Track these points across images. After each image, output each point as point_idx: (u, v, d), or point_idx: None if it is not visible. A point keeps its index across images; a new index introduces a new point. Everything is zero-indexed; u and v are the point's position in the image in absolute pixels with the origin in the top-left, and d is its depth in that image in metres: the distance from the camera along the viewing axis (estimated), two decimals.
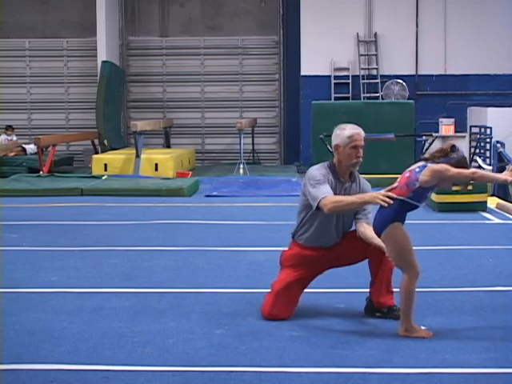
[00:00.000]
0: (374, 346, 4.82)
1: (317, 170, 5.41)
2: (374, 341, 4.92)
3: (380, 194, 4.98)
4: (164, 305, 5.86)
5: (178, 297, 6.11)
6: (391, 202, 4.93)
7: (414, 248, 5.02)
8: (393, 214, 4.98)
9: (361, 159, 5.34)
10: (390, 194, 4.97)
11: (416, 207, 5.02)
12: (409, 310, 4.98)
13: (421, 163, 5.00)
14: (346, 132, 5.33)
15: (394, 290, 5.34)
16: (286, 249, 5.59)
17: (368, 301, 5.50)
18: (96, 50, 19.36)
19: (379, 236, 5.08)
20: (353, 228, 5.50)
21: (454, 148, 4.97)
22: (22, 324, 5.31)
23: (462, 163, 4.93)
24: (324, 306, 5.73)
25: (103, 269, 7.20)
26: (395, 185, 5.02)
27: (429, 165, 4.92)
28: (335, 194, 5.28)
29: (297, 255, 5.47)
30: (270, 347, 4.80)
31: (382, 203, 4.95)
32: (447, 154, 4.93)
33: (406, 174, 5.01)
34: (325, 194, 5.19)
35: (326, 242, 5.42)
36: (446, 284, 6.50)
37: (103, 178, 14.96)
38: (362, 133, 5.38)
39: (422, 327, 5.16)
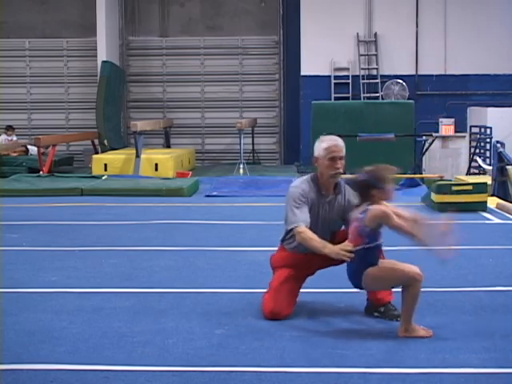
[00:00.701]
0: (374, 345, 4.82)
1: (297, 188, 5.43)
2: (374, 341, 4.92)
3: (341, 250, 4.98)
4: (164, 305, 5.86)
5: (177, 297, 6.11)
6: (352, 255, 4.94)
7: (396, 261, 5.08)
8: (363, 264, 5.01)
9: (340, 170, 5.36)
10: (348, 247, 4.97)
11: (379, 246, 5.05)
12: (411, 312, 4.99)
13: (362, 208, 5.00)
14: (323, 144, 5.39)
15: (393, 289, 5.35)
16: (274, 253, 5.62)
17: (368, 301, 5.50)
18: (96, 49, 19.38)
19: (361, 288, 5.12)
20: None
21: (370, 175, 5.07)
22: (22, 324, 5.30)
23: (381, 180, 5.02)
24: (324, 306, 5.73)
25: (103, 269, 7.20)
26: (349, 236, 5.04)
27: (369, 208, 4.95)
28: (316, 210, 5.35)
29: (287, 257, 5.50)
30: (270, 347, 4.80)
31: (346, 259, 4.99)
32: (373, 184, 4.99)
33: (354, 223, 5.03)
34: (299, 223, 5.25)
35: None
36: (445, 284, 6.50)
37: (103, 178, 14.96)
38: (341, 144, 5.41)
39: (422, 327, 5.17)
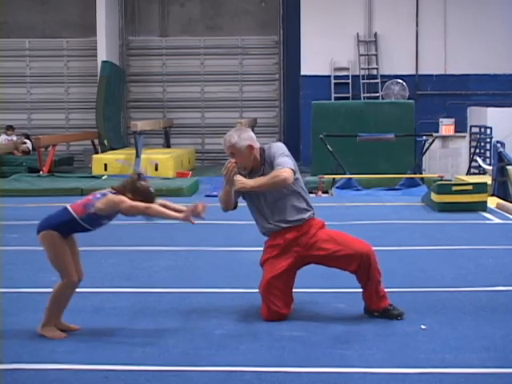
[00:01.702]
0: (373, 345, 4.82)
1: None
2: (374, 341, 4.92)
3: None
4: (164, 305, 5.86)
5: (177, 297, 6.11)
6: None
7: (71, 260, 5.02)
8: (56, 223, 4.96)
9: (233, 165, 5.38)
10: None
11: (86, 230, 5.03)
12: (54, 311, 5.04)
13: (106, 190, 5.00)
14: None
15: (386, 290, 5.37)
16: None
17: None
18: (96, 49, 19.39)
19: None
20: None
21: (140, 176, 5.05)
22: (22, 324, 5.30)
23: (145, 195, 5.00)
24: (324, 306, 5.72)
25: (103, 269, 7.20)
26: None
27: (109, 194, 4.94)
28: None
29: (268, 248, 5.52)
30: (270, 347, 4.80)
31: None
32: (135, 184, 4.97)
33: (90, 195, 5.02)
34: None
35: (275, 223, 5.42)
36: (445, 284, 6.50)
37: (103, 178, 14.96)
38: (227, 140, 5.49)
39: (422, 326, 5.18)
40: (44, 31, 20.88)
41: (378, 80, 18.98)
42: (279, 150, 5.45)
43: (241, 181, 5.27)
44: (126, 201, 4.92)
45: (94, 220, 4.98)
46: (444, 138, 17.88)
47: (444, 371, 4.37)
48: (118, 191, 4.96)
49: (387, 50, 19.05)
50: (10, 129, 18.85)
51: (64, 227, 4.97)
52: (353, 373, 4.35)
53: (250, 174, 5.45)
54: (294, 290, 5.52)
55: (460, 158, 17.90)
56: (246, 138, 5.47)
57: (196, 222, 5.00)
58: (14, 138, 18.79)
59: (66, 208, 4.98)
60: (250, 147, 5.44)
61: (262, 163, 5.46)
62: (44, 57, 20.91)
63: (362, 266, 5.26)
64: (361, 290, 5.40)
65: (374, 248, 5.39)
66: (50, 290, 5.13)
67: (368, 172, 14.54)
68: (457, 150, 17.96)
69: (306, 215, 5.44)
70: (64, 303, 5.08)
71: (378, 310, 5.38)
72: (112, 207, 4.92)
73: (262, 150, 5.50)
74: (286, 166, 5.30)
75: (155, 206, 5.06)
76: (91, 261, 7.51)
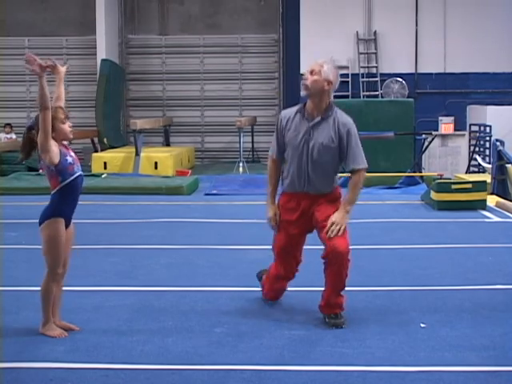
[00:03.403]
0: (373, 344, 4.82)
1: (281, 115, 5.49)
2: (374, 339, 4.92)
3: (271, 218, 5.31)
4: (163, 303, 5.86)
5: (177, 295, 6.11)
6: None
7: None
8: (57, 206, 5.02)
9: (305, 82, 5.23)
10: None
11: (71, 189, 5.05)
12: (46, 307, 5.04)
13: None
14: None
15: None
16: None
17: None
18: (95, 48, 19.37)
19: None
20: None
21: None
22: (22, 322, 5.31)
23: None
24: None
25: (102, 267, 7.21)
26: None
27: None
28: (299, 135, 5.27)
29: (282, 207, 5.46)
30: (270, 345, 4.80)
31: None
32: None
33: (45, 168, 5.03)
34: (270, 153, 5.49)
35: (299, 184, 5.36)
36: (445, 282, 6.50)
37: (103, 176, 14.96)
38: (320, 62, 5.30)
39: (422, 324, 5.18)
40: (43, 29, 20.86)
41: (378, 78, 18.97)
42: (356, 133, 5.29)
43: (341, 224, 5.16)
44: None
45: (59, 172, 4.95)
46: (443, 136, 17.88)
47: (443, 369, 4.38)
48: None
49: (387, 48, 19.04)
50: (8, 127, 18.84)
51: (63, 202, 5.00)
52: (352, 371, 4.36)
53: (313, 121, 5.29)
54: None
55: (459, 156, 17.90)
56: (335, 74, 5.28)
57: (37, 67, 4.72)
58: (13, 136, 18.78)
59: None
60: (329, 82, 5.24)
61: (325, 112, 5.27)
62: (43, 55, 20.74)
63: (330, 260, 5.19)
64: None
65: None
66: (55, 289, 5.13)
67: (368, 170, 14.54)
68: (456, 149, 17.96)
69: (331, 188, 5.42)
70: (52, 297, 5.06)
71: (323, 313, 5.36)
72: (42, 148, 4.86)
73: (333, 104, 5.33)
74: (361, 165, 5.33)
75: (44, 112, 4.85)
76: (91, 259, 7.53)
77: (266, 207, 5.45)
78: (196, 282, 6.59)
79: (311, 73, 5.25)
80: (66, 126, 5.03)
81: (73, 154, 5.10)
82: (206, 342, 4.89)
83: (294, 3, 19.37)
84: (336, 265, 5.15)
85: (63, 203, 5.00)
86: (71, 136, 5.10)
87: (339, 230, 5.13)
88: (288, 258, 5.49)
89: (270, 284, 5.69)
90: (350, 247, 5.20)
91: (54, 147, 4.89)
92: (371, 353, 4.66)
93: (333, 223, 5.14)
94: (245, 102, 20.79)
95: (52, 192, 5.03)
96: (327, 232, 5.13)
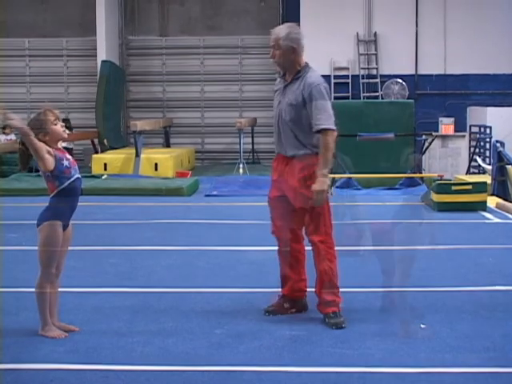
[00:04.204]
0: (373, 345, 4.82)
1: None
2: (374, 340, 4.92)
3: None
4: (164, 304, 5.86)
5: (177, 296, 6.11)
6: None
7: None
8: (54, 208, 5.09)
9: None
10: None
11: (69, 192, 5.14)
12: (43, 309, 5.03)
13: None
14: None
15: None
16: None
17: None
18: (96, 49, 19.36)
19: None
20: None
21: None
22: (22, 323, 5.31)
23: (36, 124, 4.91)
24: None
25: (103, 268, 7.20)
26: None
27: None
28: (277, 95, 5.44)
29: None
30: (270, 346, 4.80)
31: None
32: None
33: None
34: None
35: (276, 145, 5.47)
36: (445, 283, 6.50)
37: (103, 177, 14.96)
38: (275, 32, 5.36)
39: (422, 325, 5.18)
40: (44, 30, 20.86)
41: (378, 80, 18.97)
42: (323, 93, 5.26)
43: (320, 189, 5.17)
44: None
45: (56, 177, 4.99)
46: (444, 137, 17.87)
47: (443, 371, 4.37)
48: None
49: (387, 49, 19.04)
50: (8, 128, 18.83)
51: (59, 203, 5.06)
52: (352, 372, 4.36)
53: (286, 82, 5.39)
54: None
55: (459, 157, 17.89)
56: (294, 39, 5.33)
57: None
58: (13, 137, 18.77)
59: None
60: (293, 50, 5.31)
61: (297, 73, 5.34)
62: (44, 56, 20.89)
63: (313, 253, 5.31)
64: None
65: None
66: (49, 290, 5.12)
67: (368, 171, 14.54)
68: (456, 150, 17.95)
69: (303, 152, 5.35)
70: (47, 297, 5.04)
71: (322, 313, 5.37)
72: (36, 158, 4.89)
73: (307, 66, 5.38)
74: (324, 125, 5.19)
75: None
76: (91, 260, 7.53)
77: None
78: (196, 283, 6.59)
79: (273, 48, 5.36)
80: (58, 127, 5.02)
81: (69, 156, 5.09)
82: (206, 343, 4.88)
83: (294, 4, 19.38)
84: (315, 256, 5.30)
85: (61, 206, 5.00)
86: (65, 135, 5.09)
87: (323, 197, 5.18)
88: (278, 215, 5.58)
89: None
90: (332, 240, 5.30)
91: (48, 154, 4.88)
92: (371, 354, 4.65)
93: (316, 193, 5.16)
94: (245, 103, 20.79)
95: (50, 196, 5.03)
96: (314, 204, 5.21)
